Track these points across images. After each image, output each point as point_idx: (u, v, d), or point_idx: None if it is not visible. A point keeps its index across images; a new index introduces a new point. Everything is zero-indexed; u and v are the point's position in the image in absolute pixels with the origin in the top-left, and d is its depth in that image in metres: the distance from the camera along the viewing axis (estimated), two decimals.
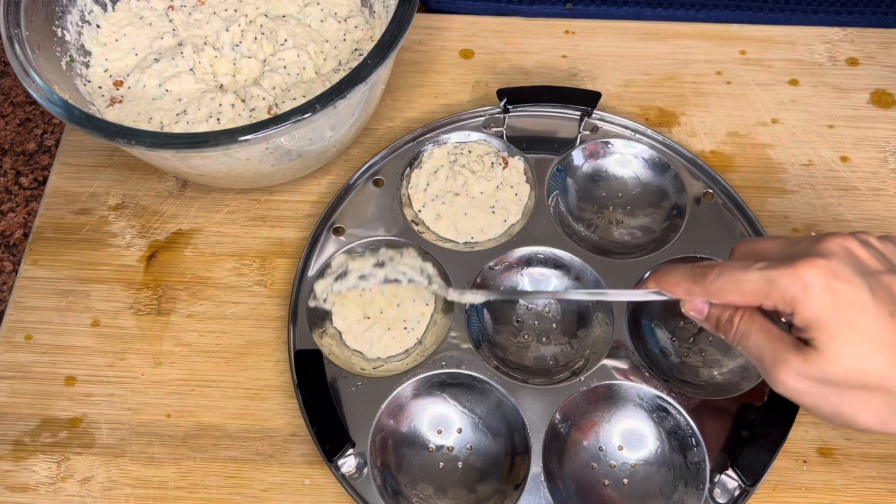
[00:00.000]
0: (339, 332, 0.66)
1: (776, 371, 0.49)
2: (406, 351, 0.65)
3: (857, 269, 0.49)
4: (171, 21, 0.75)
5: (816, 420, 0.63)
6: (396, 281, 0.63)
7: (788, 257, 0.49)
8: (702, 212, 0.69)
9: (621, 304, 0.65)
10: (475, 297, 0.62)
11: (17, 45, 0.64)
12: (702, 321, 0.54)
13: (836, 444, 0.62)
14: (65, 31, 0.71)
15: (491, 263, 0.67)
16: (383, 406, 0.61)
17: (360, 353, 0.65)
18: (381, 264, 0.64)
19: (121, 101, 0.71)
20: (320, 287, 0.65)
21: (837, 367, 0.47)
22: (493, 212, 0.69)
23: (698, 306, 0.54)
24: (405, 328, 0.65)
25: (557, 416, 0.61)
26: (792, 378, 0.49)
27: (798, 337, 0.49)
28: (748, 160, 0.74)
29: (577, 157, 0.73)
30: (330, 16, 0.76)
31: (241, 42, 0.73)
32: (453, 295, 0.62)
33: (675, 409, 0.61)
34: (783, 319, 0.52)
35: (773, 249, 0.52)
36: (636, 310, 0.66)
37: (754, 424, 0.59)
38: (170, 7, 0.76)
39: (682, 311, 0.55)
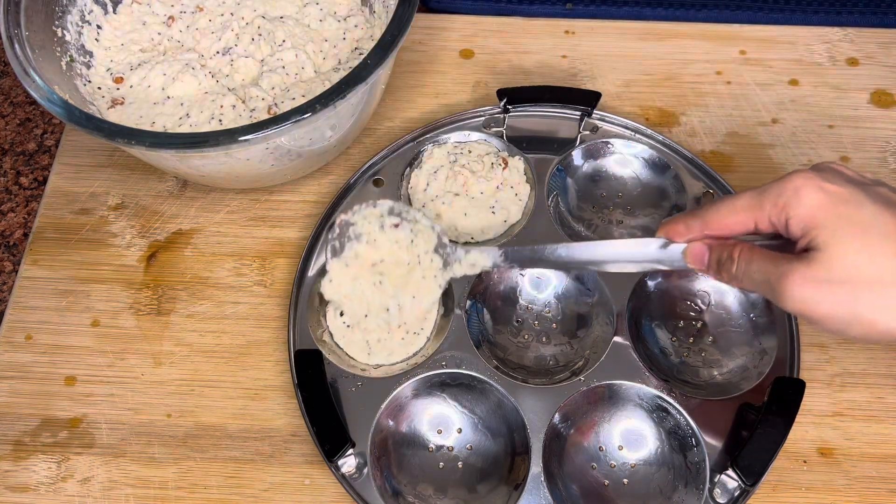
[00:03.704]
0: (339, 345, 0.65)
1: (783, 284, 0.47)
2: (406, 359, 0.65)
3: (844, 178, 0.48)
4: (169, 28, 0.75)
5: (816, 420, 0.63)
6: (406, 221, 0.59)
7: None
8: None
9: (621, 304, 0.65)
10: (481, 258, 0.59)
11: (17, 45, 0.64)
12: (703, 269, 0.53)
13: (836, 444, 0.62)
14: (65, 31, 0.71)
15: None
16: (383, 406, 0.61)
17: (361, 361, 0.65)
18: (392, 211, 0.59)
19: (122, 103, 0.71)
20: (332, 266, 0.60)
21: (845, 262, 0.45)
22: (493, 212, 0.69)
23: (698, 252, 0.53)
24: (406, 334, 0.65)
25: (557, 416, 0.61)
26: (800, 286, 0.46)
27: (800, 251, 0.48)
28: (748, 160, 0.74)
29: (577, 157, 0.73)
30: (329, 15, 0.76)
31: (237, 44, 0.73)
32: (459, 254, 0.59)
33: (675, 409, 0.61)
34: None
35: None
36: (636, 309, 0.66)
37: (754, 424, 0.59)
38: (170, 18, 0.76)
39: (687, 263, 0.54)
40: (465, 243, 0.69)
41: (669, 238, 0.54)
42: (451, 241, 0.60)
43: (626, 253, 0.56)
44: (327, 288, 0.59)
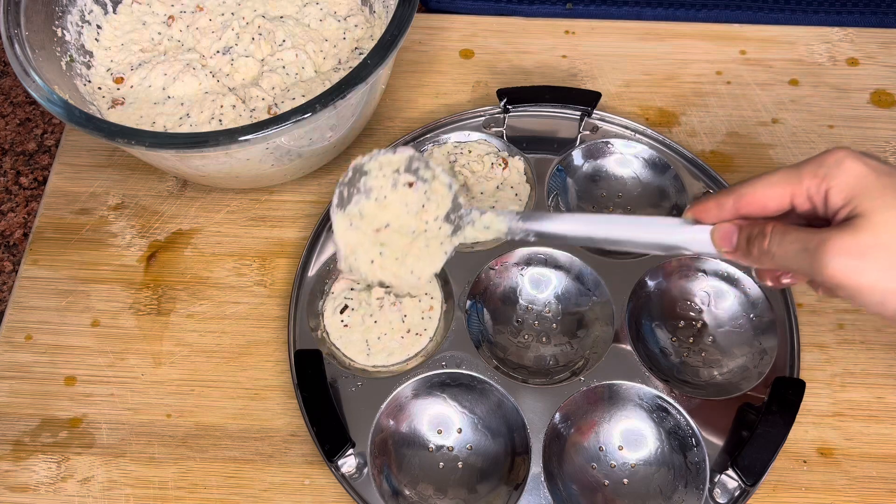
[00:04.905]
0: (338, 348, 0.65)
1: (823, 251, 0.45)
2: (407, 360, 0.65)
3: (879, 159, 0.47)
4: (170, 28, 0.75)
5: (816, 420, 0.63)
6: (421, 181, 0.55)
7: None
8: None
9: (621, 304, 0.65)
10: (496, 221, 0.55)
11: (17, 45, 0.64)
12: (731, 251, 0.50)
13: (836, 444, 0.62)
14: (65, 31, 0.71)
15: (491, 263, 0.67)
16: (383, 406, 0.61)
17: (360, 362, 0.65)
18: (409, 165, 0.56)
19: (122, 103, 0.71)
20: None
21: (890, 229, 0.44)
22: None
23: (726, 231, 0.50)
24: (407, 333, 0.65)
25: (557, 416, 0.61)
26: (843, 254, 0.44)
27: (840, 222, 0.46)
28: (748, 160, 0.74)
29: (577, 157, 0.73)
30: (329, 15, 0.76)
31: (237, 43, 0.73)
32: (473, 216, 0.55)
33: (675, 409, 0.61)
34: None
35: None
36: (636, 310, 0.66)
37: (754, 424, 0.59)
38: (170, 18, 0.76)
39: (714, 244, 0.51)
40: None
41: (698, 219, 0.51)
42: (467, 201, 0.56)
43: (650, 234, 0.53)
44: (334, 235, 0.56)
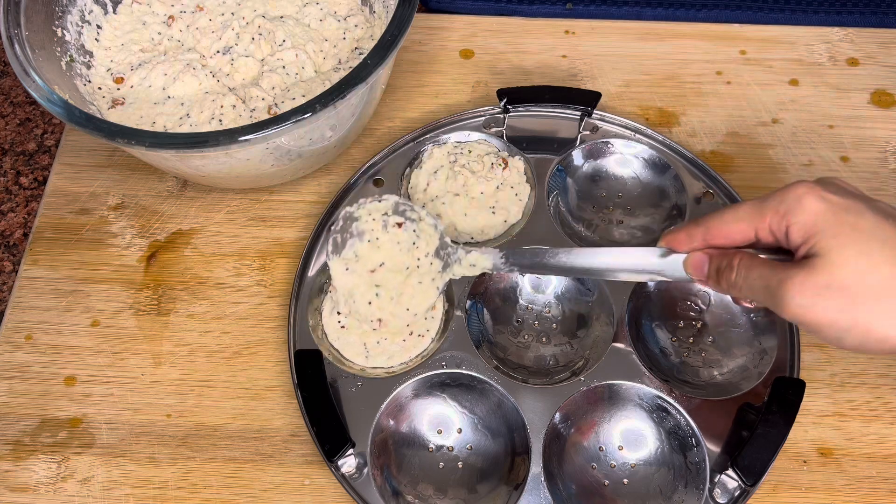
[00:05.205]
0: (334, 346, 0.65)
1: (783, 290, 0.47)
2: (408, 361, 0.65)
3: (845, 191, 0.49)
4: (170, 28, 0.76)
5: (816, 420, 0.63)
6: (409, 221, 0.59)
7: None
8: (702, 212, 0.69)
9: (621, 304, 0.65)
10: (481, 259, 0.59)
11: (17, 45, 0.64)
12: (703, 280, 0.53)
13: (836, 444, 0.62)
14: (65, 31, 0.71)
15: None
16: (383, 406, 0.61)
17: (358, 364, 0.65)
18: (396, 208, 0.59)
19: (122, 103, 0.71)
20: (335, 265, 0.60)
21: (846, 269, 0.45)
22: (493, 212, 0.69)
23: (697, 261, 0.53)
24: (409, 335, 0.65)
25: (557, 416, 0.61)
26: (800, 292, 0.46)
27: (800, 259, 0.48)
28: (748, 160, 0.74)
29: (577, 157, 0.73)
30: (329, 15, 0.76)
31: (237, 43, 0.73)
32: (459, 254, 0.59)
33: (675, 409, 0.61)
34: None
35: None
36: (636, 310, 0.66)
37: (754, 424, 0.59)
38: (170, 18, 0.76)
39: (687, 273, 0.54)
40: (466, 243, 0.69)
41: (671, 248, 0.55)
42: (452, 241, 0.60)
43: (628, 263, 0.56)
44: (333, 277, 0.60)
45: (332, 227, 0.60)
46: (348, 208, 0.59)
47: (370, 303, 0.59)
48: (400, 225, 0.59)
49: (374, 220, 0.59)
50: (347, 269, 0.59)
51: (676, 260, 0.55)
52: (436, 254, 0.59)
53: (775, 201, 0.49)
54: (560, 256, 0.57)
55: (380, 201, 0.59)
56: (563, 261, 0.57)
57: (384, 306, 0.59)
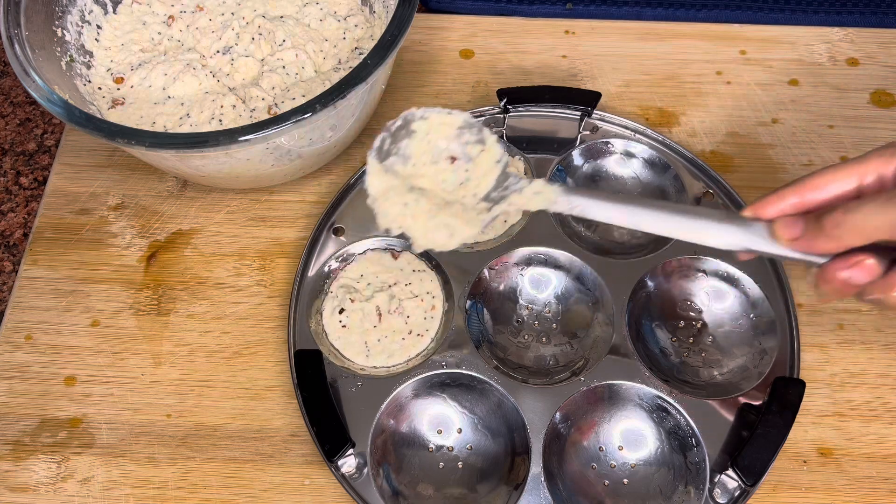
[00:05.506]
0: (335, 346, 0.65)
1: None
2: (407, 361, 0.65)
3: None
4: (170, 28, 0.76)
5: (816, 420, 0.63)
6: (464, 160, 0.52)
7: None
8: None
9: (621, 304, 0.65)
10: (547, 191, 0.50)
11: (17, 45, 0.64)
12: (797, 237, 0.48)
13: (836, 444, 0.62)
14: (65, 31, 0.71)
15: (491, 263, 0.67)
16: (383, 406, 0.61)
17: (359, 363, 0.65)
18: (460, 134, 0.52)
19: (122, 103, 0.71)
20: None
21: None
22: None
23: (790, 220, 0.48)
24: (409, 335, 0.65)
25: (557, 416, 0.61)
26: None
27: None
28: (748, 160, 0.74)
29: (577, 157, 0.73)
30: (329, 15, 0.76)
31: (237, 43, 0.73)
32: (522, 184, 0.51)
33: (675, 409, 0.61)
34: None
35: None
36: (636, 310, 0.66)
37: (754, 424, 0.59)
38: (170, 18, 0.76)
39: (776, 235, 0.48)
40: (465, 243, 0.67)
41: (757, 215, 0.49)
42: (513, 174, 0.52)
43: (706, 233, 0.49)
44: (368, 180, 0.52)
45: (388, 125, 0.52)
46: (413, 110, 0.52)
47: (406, 204, 0.51)
48: (453, 160, 0.51)
49: (428, 142, 0.52)
50: (386, 170, 0.52)
51: (762, 227, 0.49)
52: (486, 197, 0.51)
53: (876, 151, 0.47)
54: (624, 212, 0.50)
55: (449, 113, 0.52)
56: (626, 220, 0.50)
57: (419, 215, 0.51)
